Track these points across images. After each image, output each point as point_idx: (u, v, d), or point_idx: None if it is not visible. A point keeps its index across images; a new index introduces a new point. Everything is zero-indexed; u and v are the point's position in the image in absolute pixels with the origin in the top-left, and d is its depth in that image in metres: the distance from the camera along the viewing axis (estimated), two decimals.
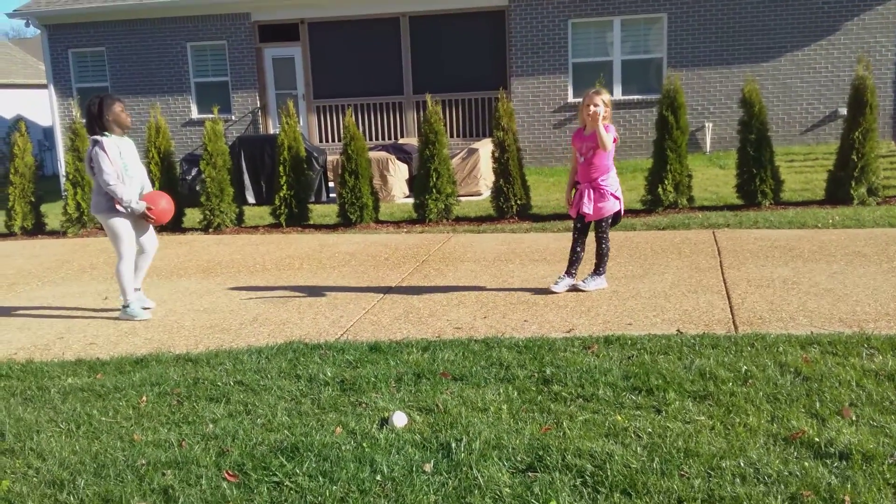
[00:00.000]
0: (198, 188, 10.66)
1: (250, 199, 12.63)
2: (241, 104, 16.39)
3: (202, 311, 6.20)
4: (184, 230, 10.19)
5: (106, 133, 5.80)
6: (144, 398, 4.32)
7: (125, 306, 6.06)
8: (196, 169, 12.75)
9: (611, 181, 5.90)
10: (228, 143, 11.00)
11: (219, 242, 9.27)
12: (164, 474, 3.42)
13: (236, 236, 9.64)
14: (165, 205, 5.98)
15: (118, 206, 5.80)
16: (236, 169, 10.45)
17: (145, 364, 4.90)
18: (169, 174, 10.22)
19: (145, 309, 6.12)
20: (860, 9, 13.99)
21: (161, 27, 16.39)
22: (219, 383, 4.47)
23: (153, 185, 10.00)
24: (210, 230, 9.94)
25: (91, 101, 5.85)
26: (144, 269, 6.23)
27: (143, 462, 3.54)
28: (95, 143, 5.77)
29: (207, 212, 9.93)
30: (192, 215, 10.46)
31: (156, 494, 3.27)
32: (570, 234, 6.17)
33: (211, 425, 3.91)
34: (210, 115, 11.06)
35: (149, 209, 5.86)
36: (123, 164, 5.80)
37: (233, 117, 16.30)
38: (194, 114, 16.59)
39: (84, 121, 5.95)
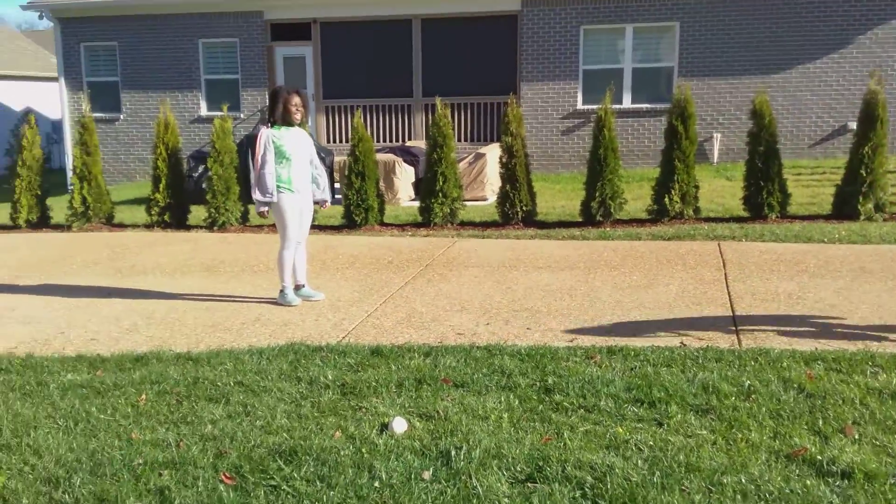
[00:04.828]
0: (203, 185, 10.66)
1: None
2: (251, 102, 16.40)
3: (204, 309, 6.19)
4: (188, 227, 10.18)
5: (273, 125, 6.09)
6: (144, 396, 4.30)
7: (281, 291, 6.22)
8: (203, 166, 12.76)
9: None
10: (236, 140, 11.01)
11: (223, 241, 9.26)
12: (160, 474, 3.40)
13: (241, 235, 9.63)
14: None
15: (281, 190, 6.03)
16: (243, 167, 10.43)
17: (146, 362, 4.89)
18: (175, 171, 10.23)
19: (311, 301, 6.31)
20: (873, 23, 13.95)
21: (173, 23, 16.42)
22: (219, 383, 4.45)
23: (159, 182, 10.03)
24: (215, 228, 9.93)
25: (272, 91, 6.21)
26: (302, 263, 6.38)
27: (140, 462, 3.52)
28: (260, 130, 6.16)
29: (213, 210, 9.92)
30: (198, 213, 10.45)
31: (152, 495, 3.26)
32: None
33: (209, 426, 3.90)
34: (219, 113, 11.06)
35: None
36: (280, 151, 6.01)
37: (241, 115, 16.31)
38: (203, 111, 16.61)
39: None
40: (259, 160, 5.98)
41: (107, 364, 4.88)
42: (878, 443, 3.47)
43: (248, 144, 12.88)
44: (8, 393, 4.43)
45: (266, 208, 6.08)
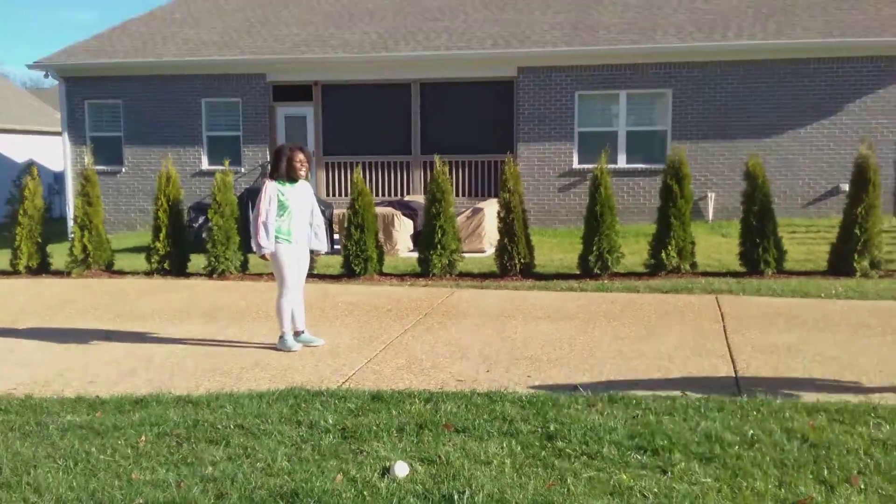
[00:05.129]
0: (204, 236, 10.72)
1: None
2: (252, 157, 16.61)
3: (204, 354, 6.17)
4: (188, 275, 10.20)
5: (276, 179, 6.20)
6: (143, 438, 4.26)
7: (280, 337, 6.25)
8: (203, 217, 12.86)
9: None
10: (237, 193, 11.14)
11: (223, 288, 9.27)
12: None
13: (240, 282, 9.65)
14: None
15: (278, 240, 6.14)
16: (244, 218, 10.54)
17: (145, 404, 4.85)
18: (176, 221, 10.30)
19: (311, 346, 6.33)
20: (862, 92, 14.31)
21: (177, 84, 16.70)
22: (219, 426, 4.42)
23: (160, 232, 10.09)
24: (214, 276, 9.95)
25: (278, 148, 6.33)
26: (300, 310, 6.41)
27: (141, 501, 3.48)
28: (264, 182, 6.27)
29: (213, 258, 9.95)
30: (197, 261, 10.47)
31: None
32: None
33: (210, 467, 3.86)
34: (220, 167, 11.19)
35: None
36: (283, 204, 6.12)
37: (242, 170, 16.49)
38: (204, 165, 16.79)
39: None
40: (263, 212, 6.09)
41: (106, 406, 4.84)
42: (883, 492, 3.46)
43: (248, 197, 13.02)
44: (7, 433, 4.39)
45: (267, 252, 6.15)
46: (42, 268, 10.65)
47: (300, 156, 6.18)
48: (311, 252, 6.53)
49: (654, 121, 15.26)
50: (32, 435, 4.34)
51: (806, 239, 12.33)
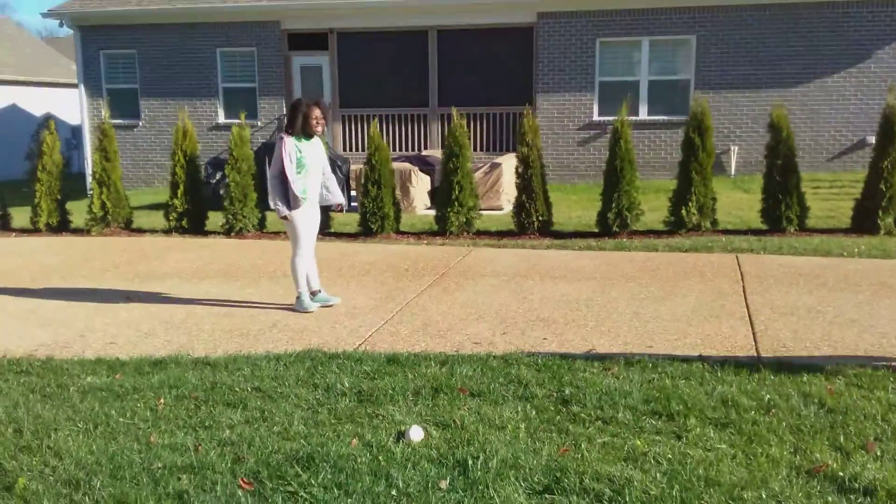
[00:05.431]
0: (221, 192, 10.71)
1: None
2: (268, 110, 16.50)
3: (221, 315, 6.21)
4: (206, 233, 10.23)
5: (292, 134, 6.11)
6: (162, 400, 4.32)
7: (297, 298, 6.25)
8: (220, 173, 12.84)
9: None
10: (254, 148, 11.06)
11: (240, 247, 9.30)
12: (179, 479, 3.42)
13: (257, 241, 9.68)
14: None
15: (297, 198, 6.06)
16: (260, 174, 10.48)
17: (164, 366, 4.91)
18: (193, 177, 10.28)
19: (327, 306, 6.33)
20: (891, 38, 13.87)
21: (192, 32, 16.56)
22: (236, 389, 4.47)
23: (178, 188, 10.09)
24: (232, 234, 9.97)
25: (293, 102, 6.21)
26: (314, 270, 6.40)
27: (159, 465, 3.54)
28: (280, 138, 6.13)
29: (230, 216, 9.95)
30: (215, 218, 10.49)
31: (171, 499, 3.27)
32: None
33: (227, 431, 3.91)
34: (236, 121, 11.12)
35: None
36: (300, 162, 6.05)
37: (258, 123, 16.41)
38: (221, 118, 16.73)
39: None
40: (287, 172, 6.01)
41: (126, 368, 4.91)
42: None
43: (265, 152, 12.95)
44: (28, 395, 4.47)
45: (287, 212, 6.11)
46: (62, 225, 10.72)
47: (316, 112, 6.07)
48: (329, 207, 6.49)
49: (677, 69, 14.93)
50: (53, 397, 4.42)
51: (830, 195, 12.11)
